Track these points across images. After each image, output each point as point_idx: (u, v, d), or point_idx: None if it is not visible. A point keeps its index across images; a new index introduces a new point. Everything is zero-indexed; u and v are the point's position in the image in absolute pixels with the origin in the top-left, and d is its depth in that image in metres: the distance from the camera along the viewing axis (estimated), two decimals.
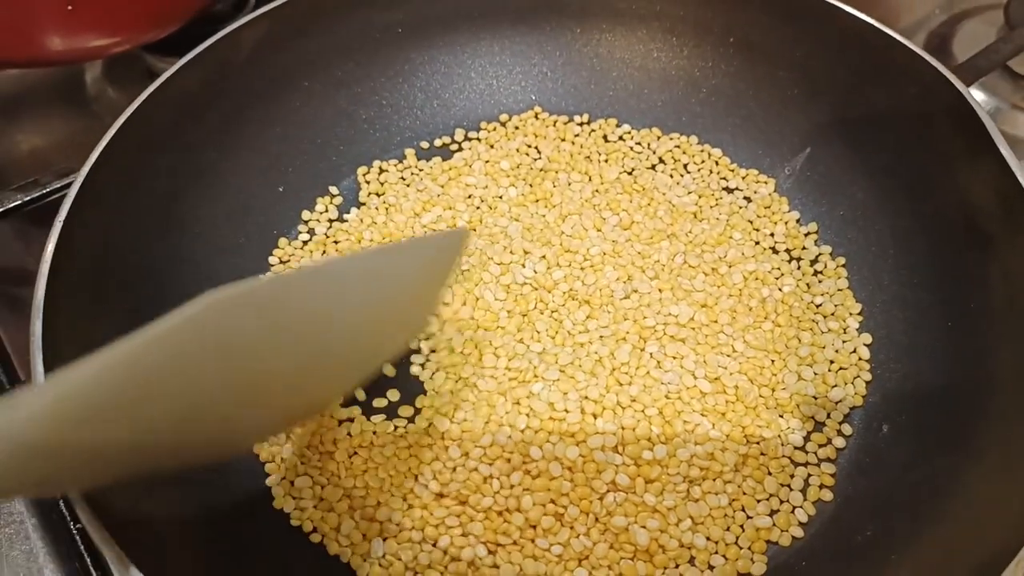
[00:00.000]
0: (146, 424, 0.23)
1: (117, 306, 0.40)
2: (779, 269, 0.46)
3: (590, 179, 0.50)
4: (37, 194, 0.51)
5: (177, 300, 0.41)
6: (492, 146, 0.52)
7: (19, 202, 0.50)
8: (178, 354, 0.23)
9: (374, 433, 0.40)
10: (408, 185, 0.50)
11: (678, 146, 0.52)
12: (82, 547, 0.38)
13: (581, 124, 0.53)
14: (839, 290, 0.45)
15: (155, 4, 0.54)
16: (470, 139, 0.53)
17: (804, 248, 0.47)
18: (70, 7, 0.50)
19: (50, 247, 0.36)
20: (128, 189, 0.42)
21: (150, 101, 0.42)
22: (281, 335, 0.26)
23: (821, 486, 0.39)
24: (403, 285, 0.30)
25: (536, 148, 0.52)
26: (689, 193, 0.49)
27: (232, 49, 0.46)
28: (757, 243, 0.47)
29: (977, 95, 0.58)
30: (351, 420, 0.41)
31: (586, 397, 0.40)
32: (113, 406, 0.22)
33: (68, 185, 0.50)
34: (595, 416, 0.39)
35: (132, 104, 0.42)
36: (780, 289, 0.45)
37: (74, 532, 0.39)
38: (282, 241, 0.48)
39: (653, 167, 0.51)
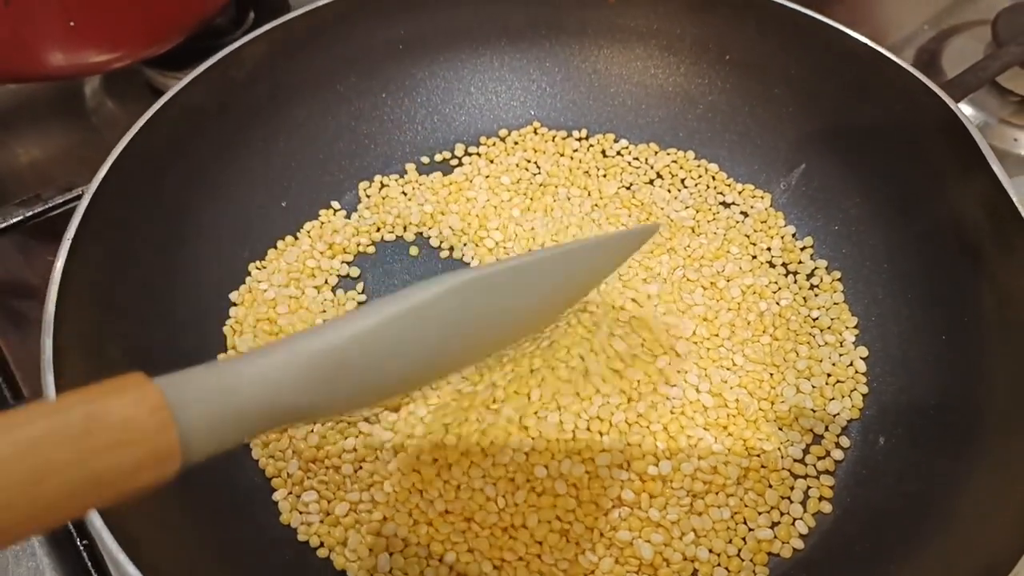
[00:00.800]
0: (383, 377, 0.28)
1: (125, 320, 0.40)
2: (776, 283, 0.46)
3: (589, 194, 0.51)
4: (39, 209, 0.51)
5: (185, 313, 0.42)
6: (492, 161, 0.53)
7: (21, 217, 0.50)
8: (421, 321, 0.28)
9: (379, 451, 0.40)
10: (410, 199, 0.51)
11: (675, 161, 0.53)
12: (88, 563, 0.38)
13: (580, 139, 0.54)
14: (835, 304, 0.45)
15: (156, 20, 0.54)
16: (470, 154, 0.53)
17: (800, 262, 0.47)
18: (72, 23, 0.50)
19: (59, 263, 0.36)
20: (134, 205, 0.42)
21: (155, 119, 0.43)
22: (494, 308, 0.32)
23: (820, 498, 0.39)
24: (588, 272, 0.37)
25: (535, 163, 0.53)
26: (687, 208, 0.50)
27: (235, 66, 0.47)
28: (754, 257, 0.48)
29: (966, 110, 0.60)
30: (357, 436, 0.41)
31: (596, 417, 0.40)
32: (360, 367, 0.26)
33: (71, 200, 0.51)
34: (601, 434, 0.40)
35: (137, 122, 0.42)
36: (777, 303, 0.45)
37: (80, 548, 0.39)
38: None
39: (651, 182, 0.52)
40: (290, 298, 0.45)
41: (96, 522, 0.30)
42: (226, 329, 0.44)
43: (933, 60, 0.66)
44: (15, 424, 0.19)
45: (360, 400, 0.28)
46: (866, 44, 0.47)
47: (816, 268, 0.47)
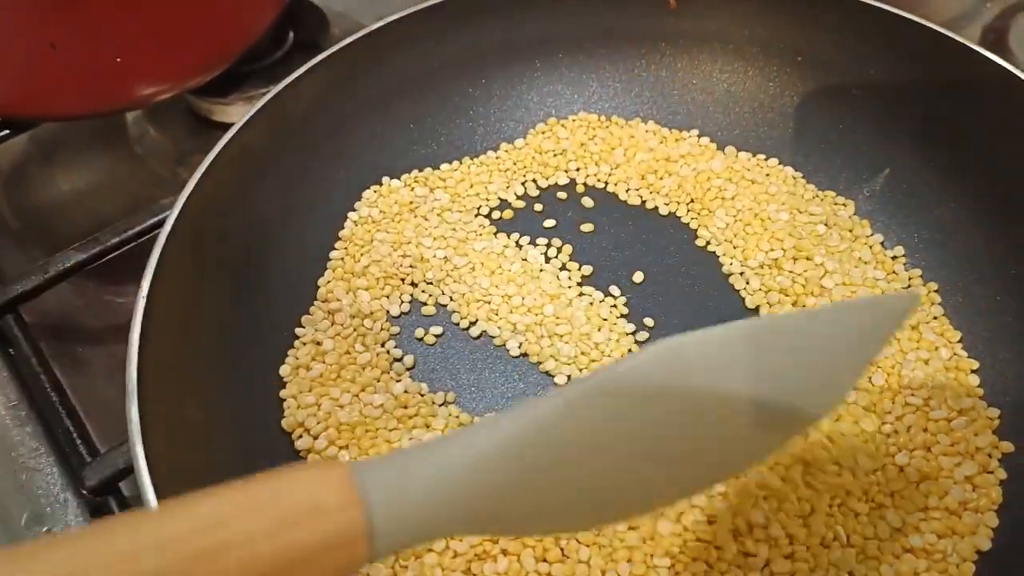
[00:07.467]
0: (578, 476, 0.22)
1: (197, 371, 0.39)
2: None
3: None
4: (97, 250, 0.50)
5: (257, 353, 0.41)
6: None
7: (84, 257, 0.49)
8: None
9: None
10: None
11: (748, 169, 0.50)
12: None
13: None
14: (934, 318, 0.43)
15: (201, 51, 0.53)
16: None
17: (894, 272, 0.45)
18: (119, 59, 0.49)
19: (136, 332, 0.35)
20: (199, 257, 0.40)
21: (216, 163, 0.41)
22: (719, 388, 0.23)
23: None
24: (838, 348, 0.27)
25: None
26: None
27: (292, 101, 0.45)
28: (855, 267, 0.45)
29: None
30: None
31: None
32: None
33: (128, 240, 0.50)
34: None
35: (200, 166, 0.41)
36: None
37: None
38: None
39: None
40: None
41: None
42: None
43: (1001, 40, 0.63)
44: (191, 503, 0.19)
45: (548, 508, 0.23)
46: (952, 38, 0.44)
47: (911, 278, 0.44)
